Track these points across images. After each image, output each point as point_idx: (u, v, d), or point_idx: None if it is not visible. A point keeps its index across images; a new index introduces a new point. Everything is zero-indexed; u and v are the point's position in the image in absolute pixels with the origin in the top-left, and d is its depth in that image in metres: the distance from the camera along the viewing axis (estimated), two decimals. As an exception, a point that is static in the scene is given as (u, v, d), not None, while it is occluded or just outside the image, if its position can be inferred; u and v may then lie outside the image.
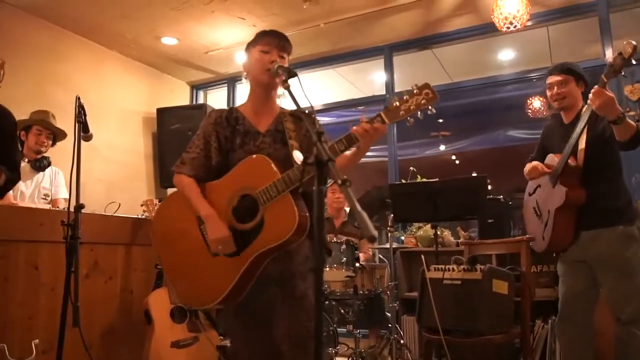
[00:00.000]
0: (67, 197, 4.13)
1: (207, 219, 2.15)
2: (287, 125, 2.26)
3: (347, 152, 2.07)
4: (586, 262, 2.84)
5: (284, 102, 2.37)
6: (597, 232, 2.78)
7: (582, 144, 2.80)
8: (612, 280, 2.74)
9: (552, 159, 2.97)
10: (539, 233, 3.03)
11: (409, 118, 1.95)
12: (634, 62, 2.49)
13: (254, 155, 2.17)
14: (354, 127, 1.99)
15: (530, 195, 3.19)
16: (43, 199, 4.00)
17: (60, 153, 4.03)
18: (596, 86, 2.54)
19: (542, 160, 3.10)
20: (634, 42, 2.43)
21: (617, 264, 2.72)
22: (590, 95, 2.56)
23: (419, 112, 1.94)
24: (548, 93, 3.04)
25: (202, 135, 2.29)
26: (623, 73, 2.57)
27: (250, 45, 2.32)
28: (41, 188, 4.02)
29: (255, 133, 2.28)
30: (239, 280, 2.08)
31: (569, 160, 2.81)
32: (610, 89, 2.55)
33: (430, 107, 1.94)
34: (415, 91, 1.95)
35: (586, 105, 2.69)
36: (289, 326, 2.13)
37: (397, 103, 1.97)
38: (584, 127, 2.74)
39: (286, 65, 2.23)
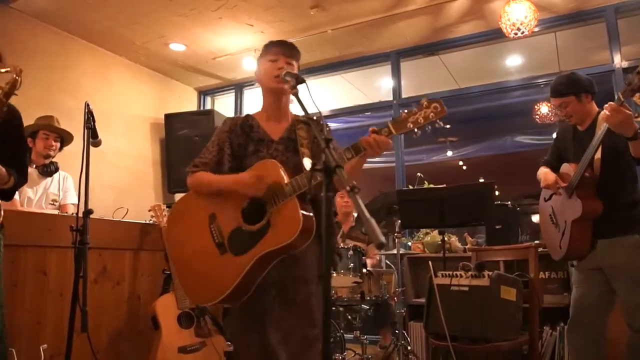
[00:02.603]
0: (77, 202, 4.13)
1: (236, 185, 2.18)
2: (300, 133, 2.29)
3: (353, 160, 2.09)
4: (602, 269, 2.81)
5: (293, 108, 2.40)
6: (613, 240, 2.76)
7: (598, 154, 2.77)
8: (626, 289, 2.72)
9: (568, 168, 2.93)
10: (555, 241, 3.00)
11: (416, 130, 1.97)
12: None
13: (265, 160, 2.23)
14: (362, 138, 2.02)
15: (545, 200, 3.15)
16: (51, 204, 4.00)
17: (69, 158, 4.05)
18: (612, 103, 2.48)
19: (556, 162, 3.08)
20: None
21: (632, 272, 2.70)
22: (606, 113, 2.51)
23: (427, 125, 1.97)
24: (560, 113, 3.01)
25: (217, 142, 2.34)
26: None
27: (260, 57, 2.39)
28: (49, 194, 4.02)
29: (268, 141, 2.32)
30: (243, 279, 2.11)
31: (586, 172, 2.77)
32: (616, 91, 2.52)
33: (437, 121, 1.96)
34: (424, 104, 1.98)
35: (603, 119, 2.64)
36: (288, 331, 2.14)
37: (406, 115, 1.99)
38: (601, 139, 2.69)
39: (296, 70, 2.28)
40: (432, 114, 1.95)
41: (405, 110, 2.01)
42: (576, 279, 2.97)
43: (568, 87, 2.90)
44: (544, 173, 3.06)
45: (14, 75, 2.25)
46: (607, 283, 2.80)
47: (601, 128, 2.67)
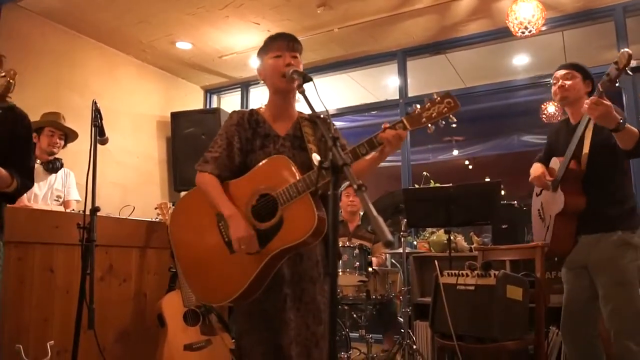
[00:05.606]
0: (79, 198, 4.16)
1: (230, 218, 2.14)
2: (306, 130, 2.28)
3: (367, 157, 2.07)
4: (587, 268, 2.79)
5: (299, 106, 2.38)
6: (597, 236, 2.74)
7: (586, 149, 2.75)
8: (606, 288, 2.68)
9: (556, 162, 2.93)
10: (542, 236, 3.01)
11: (429, 125, 1.96)
12: (629, 72, 2.43)
13: (276, 156, 2.19)
14: (380, 133, 2.00)
15: (537, 196, 3.15)
16: (55, 200, 4.02)
17: (76, 156, 4.07)
18: (593, 96, 2.49)
19: (549, 159, 3.06)
20: (629, 51, 2.36)
21: (611, 271, 2.67)
22: (586, 106, 2.50)
23: (440, 120, 1.95)
24: (553, 88, 2.97)
25: (225, 135, 2.30)
26: (618, 84, 2.54)
27: (261, 52, 2.33)
28: (54, 190, 4.04)
29: (275, 136, 2.29)
30: (255, 278, 2.08)
31: (570, 165, 2.77)
32: (624, 90, 2.52)
33: (451, 116, 1.95)
34: (437, 99, 1.96)
35: (583, 111, 2.64)
36: (297, 330, 2.13)
37: (419, 110, 1.98)
38: (584, 132, 2.71)
39: (301, 64, 2.26)
40: (445, 108, 1.94)
41: (419, 105, 1.98)
42: (565, 280, 2.96)
43: (580, 65, 2.95)
44: (533, 167, 3.07)
45: (8, 79, 2.26)
46: (594, 284, 2.77)
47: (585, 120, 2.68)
